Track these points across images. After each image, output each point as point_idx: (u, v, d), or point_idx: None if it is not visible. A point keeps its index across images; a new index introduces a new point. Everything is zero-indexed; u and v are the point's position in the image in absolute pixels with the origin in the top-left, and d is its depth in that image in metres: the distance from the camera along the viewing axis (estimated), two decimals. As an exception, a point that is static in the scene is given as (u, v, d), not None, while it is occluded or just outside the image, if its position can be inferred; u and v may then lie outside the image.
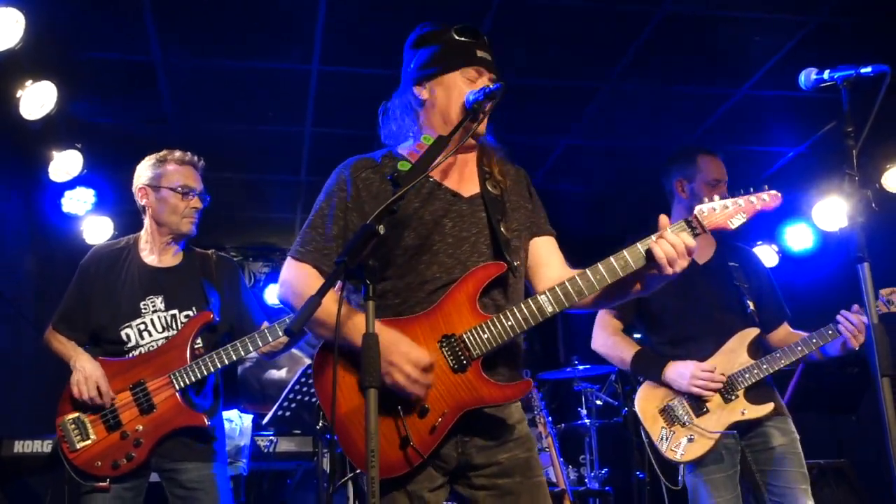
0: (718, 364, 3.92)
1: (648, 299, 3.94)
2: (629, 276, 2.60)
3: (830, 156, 7.14)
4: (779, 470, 3.88)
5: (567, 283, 2.58)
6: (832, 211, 7.53)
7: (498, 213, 2.74)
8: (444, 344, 2.54)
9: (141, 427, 3.68)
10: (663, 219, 2.60)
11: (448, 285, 2.60)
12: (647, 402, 4.00)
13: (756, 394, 3.91)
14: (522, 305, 2.56)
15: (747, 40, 5.66)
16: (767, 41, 5.68)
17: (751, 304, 4.07)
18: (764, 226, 8.22)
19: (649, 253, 2.55)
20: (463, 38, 2.79)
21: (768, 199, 2.80)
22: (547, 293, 2.57)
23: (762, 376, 3.90)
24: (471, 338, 2.53)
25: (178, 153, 4.03)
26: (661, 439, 3.88)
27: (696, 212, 2.71)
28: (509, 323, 2.54)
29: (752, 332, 4.00)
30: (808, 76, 3.12)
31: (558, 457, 5.86)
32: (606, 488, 6.50)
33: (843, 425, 6.56)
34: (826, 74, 3.06)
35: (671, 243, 2.52)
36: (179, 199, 3.93)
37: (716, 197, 2.77)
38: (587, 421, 6.86)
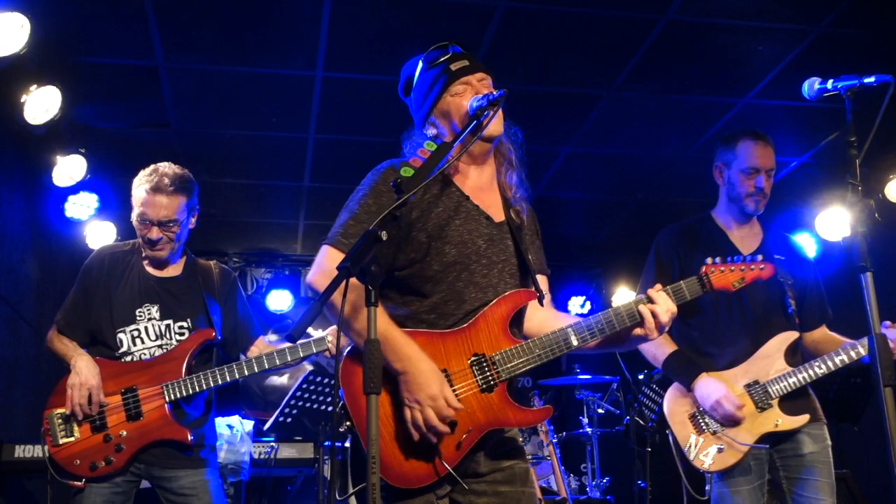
0: (753, 369, 3.77)
1: None
2: (622, 331, 2.72)
3: (833, 166, 7.15)
4: (807, 479, 3.73)
5: (591, 319, 2.69)
6: (835, 221, 7.53)
7: (523, 242, 2.81)
8: (475, 363, 2.57)
9: (125, 433, 3.68)
10: (651, 292, 2.74)
11: (481, 306, 2.63)
12: (676, 405, 3.86)
13: (792, 403, 3.75)
14: (551, 336, 2.65)
15: (751, 49, 5.67)
16: (771, 50, 5.69)
17: (792, 303, 3.89)
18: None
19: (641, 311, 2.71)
20: (434, 64, 2.80)
21: (765, 268, 2.99)
22: (572, 328, 2.67)
23: (798, 386, 3.72)
24: (501, 360, 2.58)
25: (156, 175, 3.85)
26: (690, 446, 3.74)
27: (705, 270, 2.89)
28: (537, 351, 2.61)
29: (791, 336, 3.83)
30: (811, 86, 3.12)
31: (560, 465, 5.86)
32: (608, 497, 6.49)
33: (845, 435, 6.54)
34: (829, 84, 3.06)
35: (657, 308, 2.69)
36: (140, 227, 3.89)
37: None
38: (589, 430, 6.86)
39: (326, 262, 2.62)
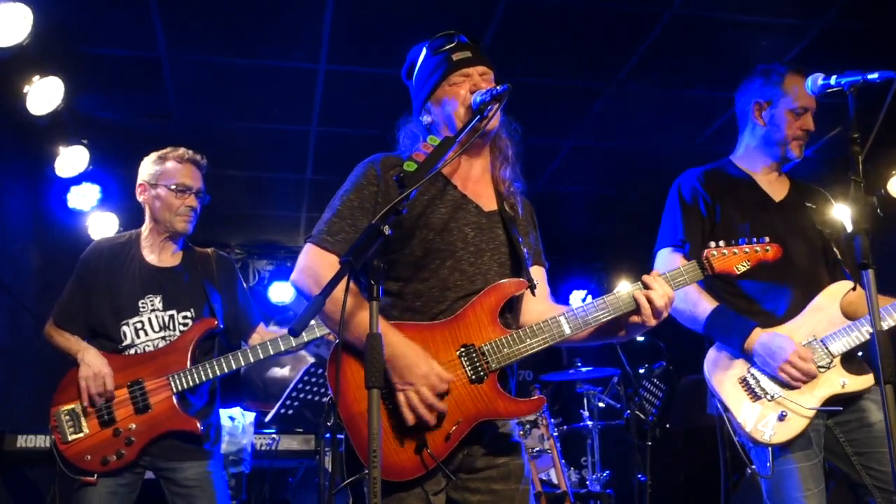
0: (808, 324, 3.33)
1: (724, 238, 3.23)
2: (621, 319, 2.67)
3: (836, 161, 7.14)
4: (882, 452, 3.16)
5: (584, 307, 2.63)
6: (837, 217, 7.51)
7: (515, 232, 2.78)
8: (464, 354, 2.55)
9: (134, 426, 3.68)
10: (646, 278, 2.67)
11: (470, 295, 2.61)
12: (722, 369, 3.35)
13: (854, 362, 3.31)
14: (543, 326, 2.60)
15: (754, 44, 5.66)
16: (774, 45, 5.68)
17: (837, 252, 3.47)
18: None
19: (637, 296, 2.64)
20: (437, 52, 2.80)
21: (771, 251, 2.89)
22: (565, 316, 2.62)
23: (862, 340, 3.24)
24: (491, 350, 2.55)
25: (180, 150, 4.02)
26: (745, 416, 3.22)
27: (706, 254, 2.79)
28: (529, 341, 2.58)
29: (844, 286, 3.39)
30: (814, 81, 3.10)
31: (560, 458, 5.86)
32: (608, 490, 6.50)
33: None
34: (833, 80, 3.04)
35: (653, 294, 2.62)
36: (174, 196, 3.92)
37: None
38: (589, 423, 6.86)
39: (308, 261, 2.67)
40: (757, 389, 3.26)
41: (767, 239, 2.89)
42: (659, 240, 3.67)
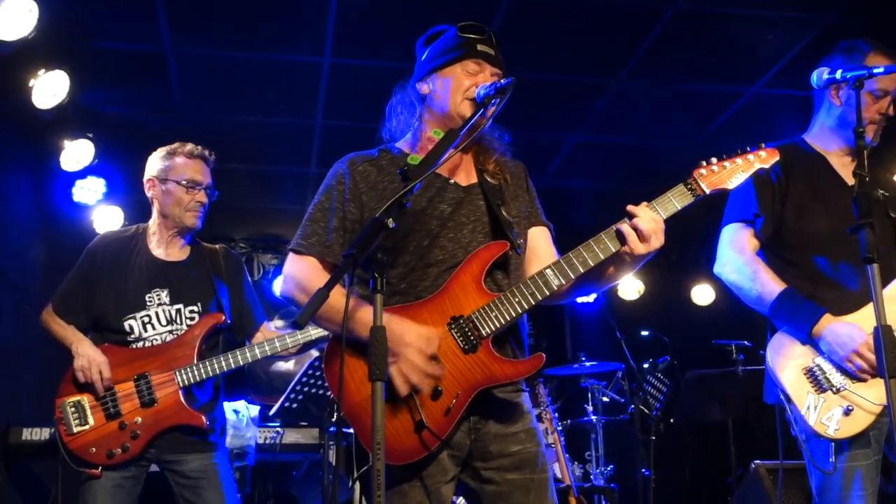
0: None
1: (794, 215, 3.24)
2: (609, 258, 2.62)
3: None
4: None
5: (571, 255, 2.60)
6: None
7: (497, 199, 2.77)
8: (453, 326, 2.55)
9: (140, 419, 3.69)
10: (630, 207, 2.63)
11: (452, 268, 2.62)
12: (786, 357, 3.16)
13: None
14: (528, 281, 2.58)
15: (759, 39, 5.65)
16: (780, 40, 5.67)
17: None
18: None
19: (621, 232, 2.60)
20: (464, 34, 2.83)
21: (765, 155, 2.76)
22: (552, 267, 2.59)
23: None
24: (479, 317, 2.54)
25: (189, 146, 4.02)
26: (808, 408, 3.04)
27: (694, 174, 2.68)
28: (516, 300, 2.56)
29: None
30: (820, 75, 3.10)
31: (564, 453, 5.87)
32: (612, 485, 6.49)
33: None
34: (839, 74, 3.03)
35: (638, 221, 2.58)
36: (184, 192, 3.93)
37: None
38: (593, 417, 6.86)
39: (289, 267, 2.77)
40: (822, 381, 3.08)
41: (762, 144, 2.75)
42: (727, 215, 3.46)
